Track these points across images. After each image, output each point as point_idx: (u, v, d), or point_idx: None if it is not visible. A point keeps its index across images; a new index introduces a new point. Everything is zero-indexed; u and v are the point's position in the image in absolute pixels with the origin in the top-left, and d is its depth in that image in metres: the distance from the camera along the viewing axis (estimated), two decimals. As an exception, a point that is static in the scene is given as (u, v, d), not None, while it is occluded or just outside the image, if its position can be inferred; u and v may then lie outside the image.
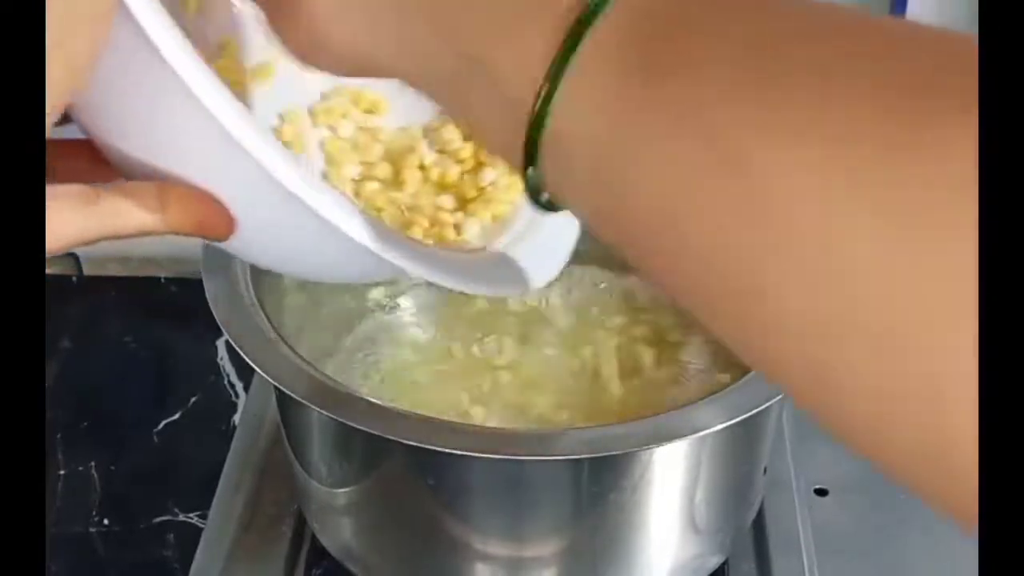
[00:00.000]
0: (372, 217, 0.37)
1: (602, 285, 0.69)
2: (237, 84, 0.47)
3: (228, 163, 0.34)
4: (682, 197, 0.26)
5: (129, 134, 0.35)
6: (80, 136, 0.37)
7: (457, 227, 0.51)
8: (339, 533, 0.60)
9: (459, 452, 0.48)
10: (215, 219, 0.36)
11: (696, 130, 0.25)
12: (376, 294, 0.67)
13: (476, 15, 0.31)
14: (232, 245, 0.38)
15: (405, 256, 0.37)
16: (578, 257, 0.68)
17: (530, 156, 0.29)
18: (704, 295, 0.26)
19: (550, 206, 0.32)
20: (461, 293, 0.67)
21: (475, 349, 0.65)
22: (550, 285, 0.67)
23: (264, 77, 0.50)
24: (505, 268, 0.46)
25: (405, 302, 0.67)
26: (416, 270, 0.38)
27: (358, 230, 0.36)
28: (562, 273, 0.67)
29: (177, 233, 0.36)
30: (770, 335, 0.25)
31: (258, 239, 0.38)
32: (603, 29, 0.28)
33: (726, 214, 0.25)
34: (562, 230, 0.49)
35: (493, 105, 0.30)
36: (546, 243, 0.48)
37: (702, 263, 0.26)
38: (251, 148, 0.33)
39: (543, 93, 0.28)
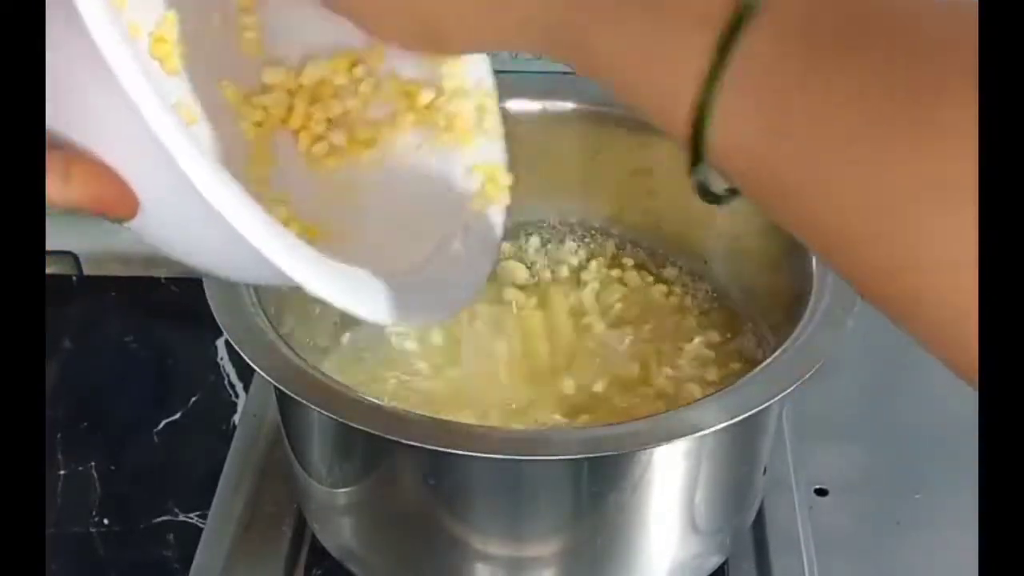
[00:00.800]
0: (280, 227, 0.37)
1: (608, 289, 0.69)
2: (167, 58, 0.46)
3: (136, 144, 0.34)
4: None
5: (48, 106, 0.35)
6: None
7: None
8: (339, 533, 0.60)
9: (459, 452, 0.48)
10: (116, 197, 0.36)
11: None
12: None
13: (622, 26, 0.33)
14: (134, 226, 0.37)
15: (302, 270, 0.37)
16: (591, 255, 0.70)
17: (696, 156, 0.32)
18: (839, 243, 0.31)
19: (715, 198, 0.34)
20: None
21: (476, 347, 0.65)
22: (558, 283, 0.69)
23: None
24: (406, 294, 0.44)
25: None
26: (309, 285, 0.38)
27: (257, 234, 0.35)
28: (566, 274, 0.69)
29: (78, 208, 0.35)
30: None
31: (159, 224, 0.37)
32: (752, 42, 0.30)
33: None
34: (473, 262, 0.48)
35: (649, 98, 0.34)
36: (452, 276, 0.47)
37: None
38: (159, 132, 0.33)
39: (701, 101, 0.31)
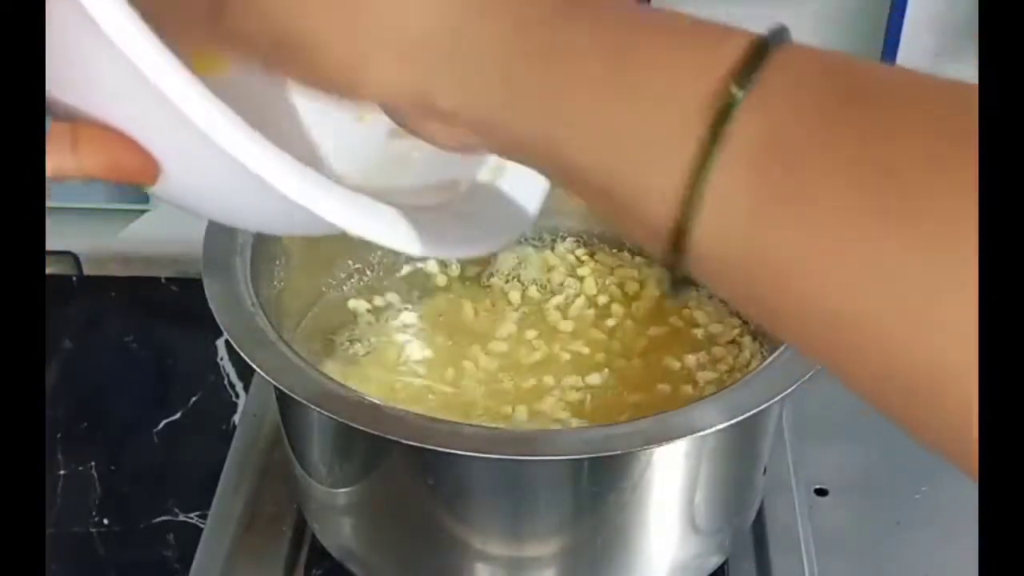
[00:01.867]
0: (309, 169, 0.35)
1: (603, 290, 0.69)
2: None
3: (151, 108, 0.33)
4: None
5: (51, 78, 0.33)
6: None
7: None
8: (339, 533, 0.60)
9: (459, 452, 0.48)
10: (134, 163, 0.34)
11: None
12: (368, 294, 0.67)
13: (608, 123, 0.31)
14: (156, 190, 0.36)
15: (339, 211, 0.36)
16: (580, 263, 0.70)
17: (680, 246, 0.30)
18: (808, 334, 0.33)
19: (679, 289, 0.33)
20: (453, 294, 0.68)
21: (473, 347, 0.65)
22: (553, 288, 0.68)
23: None
24: (457, 226, 0.42)
25: (402, 298, 0.67)
26: (352, 227, 0.36)
27: (290, 183, 0.34)
28: (564, 274, 0.69)
29: (95, 176, 0.34)
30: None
31: (183, 186, 0.36)
32: (730, 152, 0.29)
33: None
34: (526, 185, 0.44)
35: (629, 209, 0.31)
36: (505, 200, 0.44)
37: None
38: (171, 92, 0.32)
39: (683, 213, 0.29)
